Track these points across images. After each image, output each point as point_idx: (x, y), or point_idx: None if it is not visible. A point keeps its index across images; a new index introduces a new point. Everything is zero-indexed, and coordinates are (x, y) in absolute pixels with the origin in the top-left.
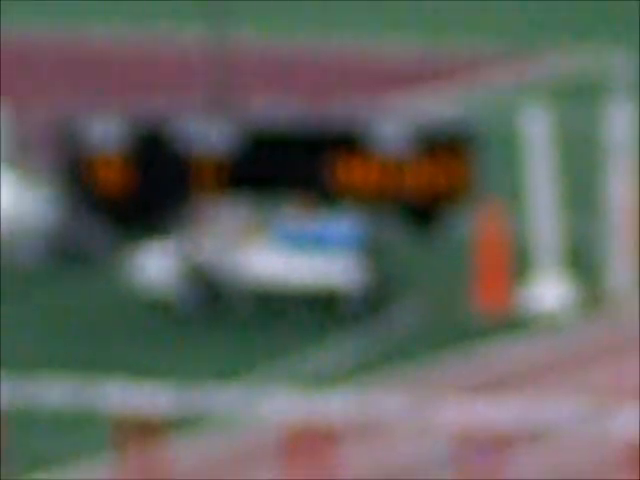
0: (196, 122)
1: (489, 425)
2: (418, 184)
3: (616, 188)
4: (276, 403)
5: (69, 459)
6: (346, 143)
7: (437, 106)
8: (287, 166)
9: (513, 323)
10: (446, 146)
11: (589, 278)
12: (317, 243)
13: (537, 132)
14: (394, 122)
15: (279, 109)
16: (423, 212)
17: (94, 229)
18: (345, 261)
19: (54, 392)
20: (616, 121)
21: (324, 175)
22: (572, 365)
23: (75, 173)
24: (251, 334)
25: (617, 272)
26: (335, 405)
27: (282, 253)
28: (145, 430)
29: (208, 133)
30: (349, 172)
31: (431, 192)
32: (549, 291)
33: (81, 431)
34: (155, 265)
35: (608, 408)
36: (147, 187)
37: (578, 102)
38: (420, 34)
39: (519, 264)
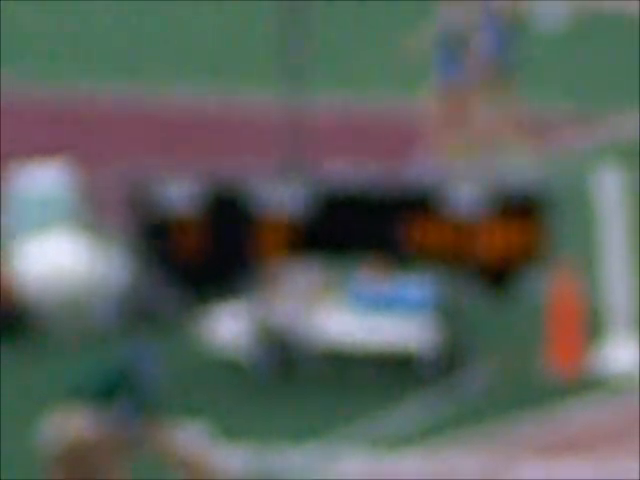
0: (270, 184)
1: None
2: (492, 246)
3: None
4: (350, 465)
5: None
6: (420, 205)
7: (510, 168)
8: (360, 228)
9: (586, 385)
10: (520, 208)
11: None
12: (391, 305)
13: (610, 194)
14: (467, 184)
15: (353, 171)
16: (496, 274)
17: (167, 291)
18: (418, 323)
19: None
20: None
21: (398, 237)
22: None
23: (148, 234)
24: (323, 396)
25: None
26: (408, 467)
27: (356, 315)
28: None
29: (282, 195)
30: (423, 234)
31: (504, 254)
32: (622, 353)
33: None
34: (227, 327)
35: None
36: (220, 249)
37: None
38: None
39: (592, 326)
